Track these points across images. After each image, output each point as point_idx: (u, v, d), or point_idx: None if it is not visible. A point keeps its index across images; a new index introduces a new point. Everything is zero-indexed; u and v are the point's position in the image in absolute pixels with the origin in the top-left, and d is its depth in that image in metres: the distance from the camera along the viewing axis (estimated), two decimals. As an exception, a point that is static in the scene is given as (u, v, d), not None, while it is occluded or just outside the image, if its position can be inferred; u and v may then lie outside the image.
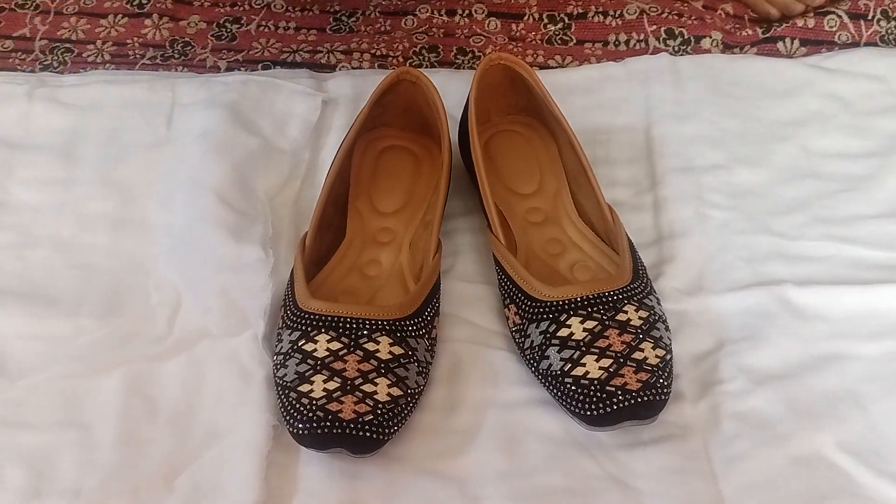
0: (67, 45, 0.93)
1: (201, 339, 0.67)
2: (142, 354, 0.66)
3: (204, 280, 0.69)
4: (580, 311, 0.63)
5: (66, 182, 0.78)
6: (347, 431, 0.58)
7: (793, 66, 0.85)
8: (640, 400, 0.59)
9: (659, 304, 0.66)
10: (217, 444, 0.62)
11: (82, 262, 0.73)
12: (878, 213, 0.74)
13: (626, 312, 0.63)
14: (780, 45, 0.87)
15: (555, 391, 0.62)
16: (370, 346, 0.61)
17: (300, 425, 0.59)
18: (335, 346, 0.61)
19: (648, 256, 0.72)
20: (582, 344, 0.62)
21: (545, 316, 0.64)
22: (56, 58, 0.91)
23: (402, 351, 0.62)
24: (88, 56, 0.92)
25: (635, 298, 0.64)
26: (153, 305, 0.70)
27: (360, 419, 0.58)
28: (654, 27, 0.90)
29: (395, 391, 0.60)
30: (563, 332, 0.62)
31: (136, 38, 0.93)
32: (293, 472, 0.61)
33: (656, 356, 0.61)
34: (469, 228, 0.76)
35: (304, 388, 0.60)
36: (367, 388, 0.60)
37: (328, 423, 0.58)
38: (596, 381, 0.60)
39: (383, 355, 0.61)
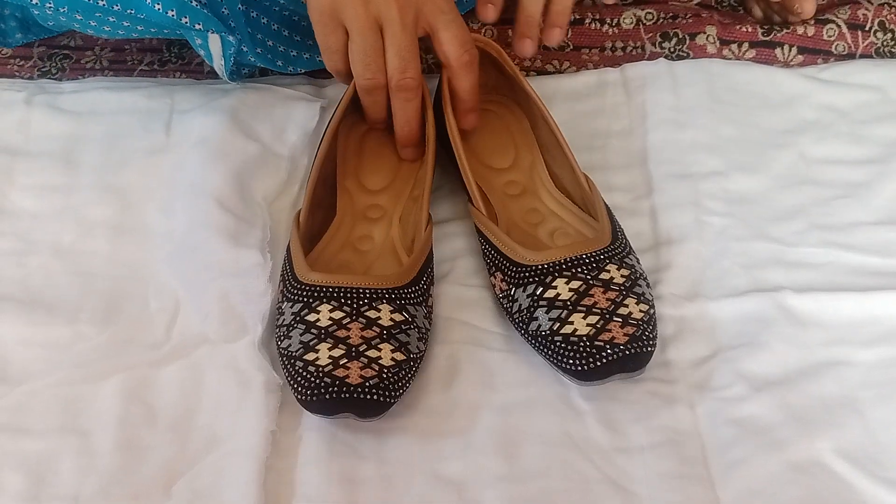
0: (66, 51, 0.92)
1: (200, 346, 0.67)
2: (140, 360, 0.67)
3: (203, 285, 0.69)
4: (565, 273, 0.65)
5: (65, 188, 0.78)
6: (355, 395, 0.59)
7: (789, 76, 0.86)
8: (628, 352, 0.61)
9: (639, 263, 0.69)
10: (215, 449, 0.62)
11: (82, 269, 0.73)
12: (875, 220, 0.74)
13: (608, 271, 0.65)
14: (777, 51, 0.87)
15: (545, 350, 0.64)
16: (372, 314, 0.63)
17: (308, 392, 0.60)
18: (338, 315, 0.63)
19: (646, 262, 0.73)
20: (569, 303, 0.64)
21: (531, 279, 0.66)
22: (54, 64, 0.91)
23: (403, 318, 0.64)
24: (87, 62, 0.92)
25: (616, 258, 0.66)
26: (151, 312, 0.70)
27: (367, 383, 0.60)
28: (651, 35, 0.90)
29: (399, 356, 0.62)
30: (550, 294, 0.65)
31: (133, 44, 0.93)
32: (291, 478, 0.61)
33: (640, 311, 0.64)
34: (464, 233, 0.76)
35: (310, 356, 0.61)
36: (372, 353, 0.61)
37: (336, 389, 0.59)
38: (585, 338, 0.62)
39: (385, 322, 0.63)
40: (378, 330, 0.63)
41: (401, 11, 0.70)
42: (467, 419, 0.64)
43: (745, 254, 0.73)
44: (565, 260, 0.65)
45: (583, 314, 0.63)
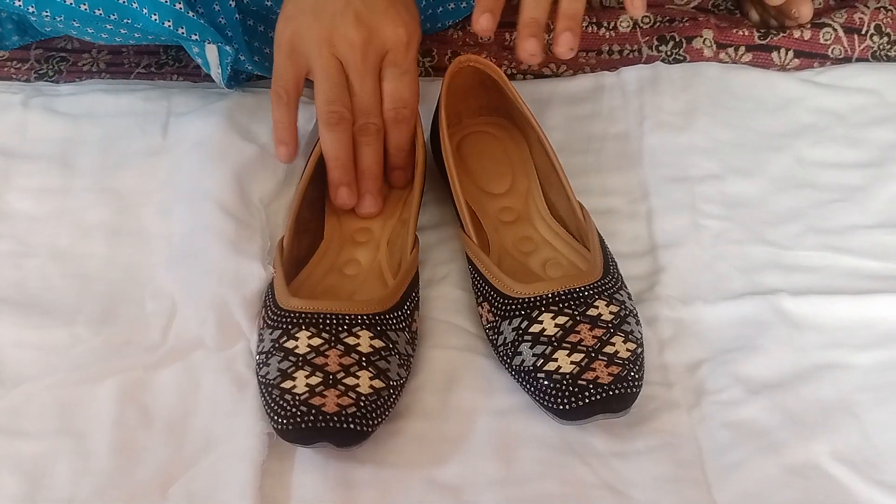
0: (63, 54, 0.93)
1: (196, 349, 0.67)
2: (136, 363, 0.66)
3: (202, 292, 0.69)
4: (551, 308, 0.64)
5: (62, 191, 0.78)
6: (331, 425, 0.58)
7: (786, 79, 0.86)
8: (611, 393, 0.60)
9: (630, 299, 0.67)
10: (212, 452, 0.62)
11: (78, 271, 0.73)
12: (872, 224, 0.75)
13: (596, 307, 0.64)
14: (774, 55, 0.88)
15: (528, 386, 0.63)
16: (350, 341, 0.62)
17: (284, 421, 0.59)
18: (316, 341, 0.62)
19: (643, 265, 0.73)
20: (553, 339, 0.62)
21: (517, 312, 0.64)
22: (51, 67, 0.91)
23: (383, 344, 0.63)
24: (84, 65, 0.92)
25: (606, 293, 0.65)
26: (147, 314, 0.70)
27: (344, 412, 0.59)
28: (647, 38, 0.90)
29: (378, 383, 0.61)
30: (535, 329, 0.63)
31: (130, 47, 0.93)
32: (287, 481, 0.61)
33: (627, 350, 0.62)
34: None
35: (287, 384, 0.60)
36: (350, 381, 0.60)
37: (312, 418, 0.59)
38: (568, 376, 0.61)
39: (364, 349, 0.62)
40: (356, 357, 0.61)
41: (363, 57, 0.70)
42: (464, 423, 0.64)
43: (742, 257, 0.73)
44: (553, 294, 0.64)
45: (567, 351, 0.61)
